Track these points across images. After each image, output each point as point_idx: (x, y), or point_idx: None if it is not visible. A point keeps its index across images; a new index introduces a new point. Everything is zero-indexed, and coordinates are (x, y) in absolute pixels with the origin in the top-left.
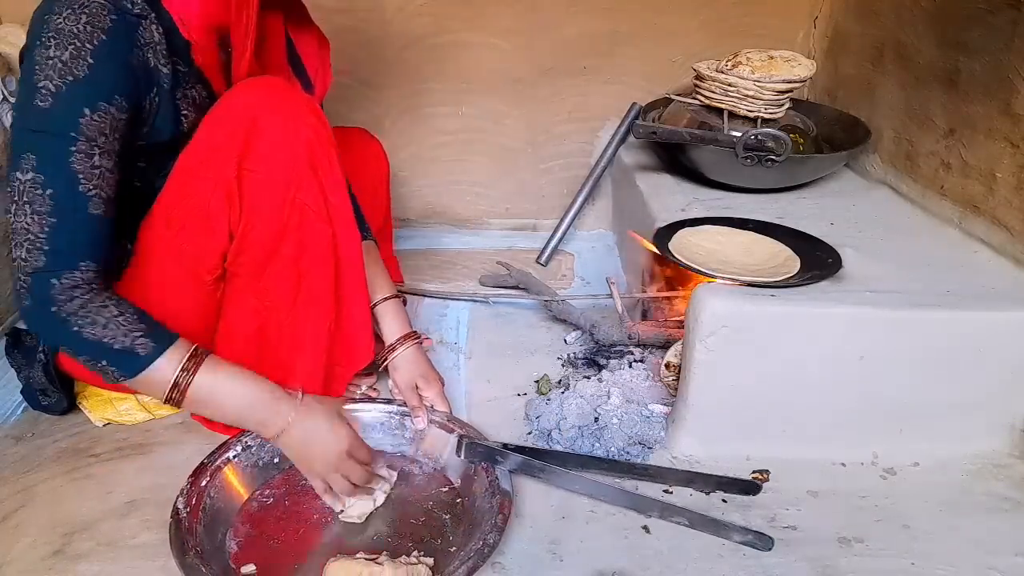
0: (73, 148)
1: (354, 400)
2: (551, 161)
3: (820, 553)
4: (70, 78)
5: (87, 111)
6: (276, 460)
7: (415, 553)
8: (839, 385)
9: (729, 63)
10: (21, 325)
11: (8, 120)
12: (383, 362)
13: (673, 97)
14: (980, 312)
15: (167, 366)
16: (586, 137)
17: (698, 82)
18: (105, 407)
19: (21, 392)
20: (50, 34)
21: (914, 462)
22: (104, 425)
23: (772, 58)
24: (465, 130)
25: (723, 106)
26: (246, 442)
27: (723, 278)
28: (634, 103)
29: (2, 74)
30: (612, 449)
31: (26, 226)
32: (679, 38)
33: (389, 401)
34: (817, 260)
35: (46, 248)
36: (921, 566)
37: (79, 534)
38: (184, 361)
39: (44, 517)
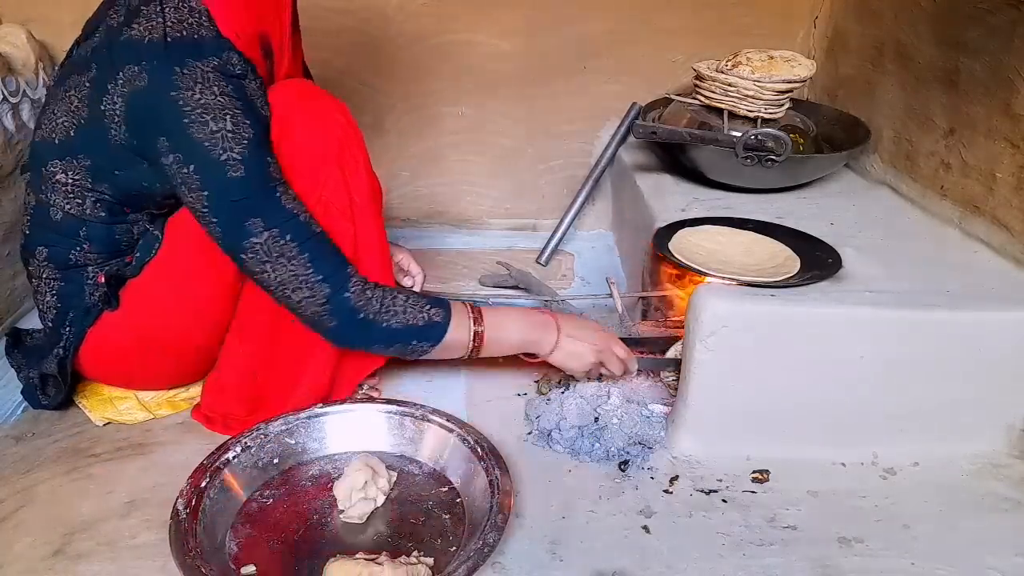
0: (279, 194)
1: (355, 400)
2: (551, 161)
3: (820, 553)
4: (245, 142)
5: (269, 159)
6: (276, 460)
7: (415, 553)
8: (839, 385)
9: (729, 63)
10: (21, 325)
11: (8, 120)
12: None
13: (673, 97)
14: (980, 312)
15: (459, 325)
16: (586, 137)
17: (698, 82)
18: (105, 406)
19: (21, 392)
20: (198, 111)
21: (914, 462)
22: (104, 424)
23: (772, 58)
24: (465, 130)
25: (723, 106)
26: (245, 443)
27: (723, 278)
28: (634, 103)
29: (2, 74)
30: (612, 449)
31: (293, 274)
32: (679, 38)
33: (389, 401)
34: (817, 260)
35: (319, 277)
36: (921, 566)
37: (79, 534)
38: (471, 316)
39: (44, 517)
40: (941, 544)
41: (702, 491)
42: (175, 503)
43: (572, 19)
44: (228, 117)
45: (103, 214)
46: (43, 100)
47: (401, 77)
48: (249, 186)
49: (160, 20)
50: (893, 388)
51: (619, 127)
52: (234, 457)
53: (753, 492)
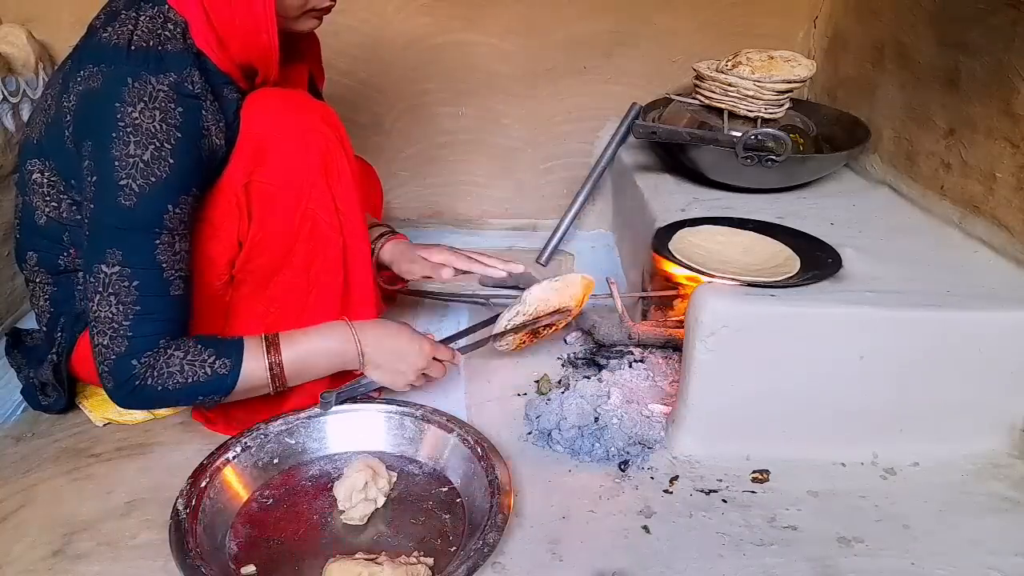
0: (157, 241)
1: (355, 400)
2: (551, 161)
3: (820, 553)
4: (152, 179)
5: (170, 207)
6: (276, 460)
7: (415, 553)
8: (839, 385)
9: (729, 63)
10: (21, 325)
11: (8, 120)
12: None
13: (673, 97)
14: (980, 312)
15: (253, 367)
16: (586, 137)
17: (698, 82)
18: (105, 406)
19: (21, 392)
20: (128, 130)
21: (914, 462)
22: (104, 425)
23: (772, 58)
24: (465, 130)
25: (723, 106)
26: (245, 443)
27: (723, 278)
28: (634, 103)
29: (2, 74)
30: (612, 449)
31: (110, 316)
32: (679, 38)
33: (389, 401)
34: (817, 260)
35: (130, 335)
36: (921, 566)
37: (79, 534)
38: (265, 353)
39: (44, 517)
40: (941, 544)
41: (702, 491)
42: (175, 503)
43: (572, 19)
44: (151, 148)
45: (79, 218)
46: None
47: (401, 77)
48: (129, 219)
49: (131, 27)
50: (893, 388)
51: (619, 127)
52: (234, 457)
53: (753, 492)
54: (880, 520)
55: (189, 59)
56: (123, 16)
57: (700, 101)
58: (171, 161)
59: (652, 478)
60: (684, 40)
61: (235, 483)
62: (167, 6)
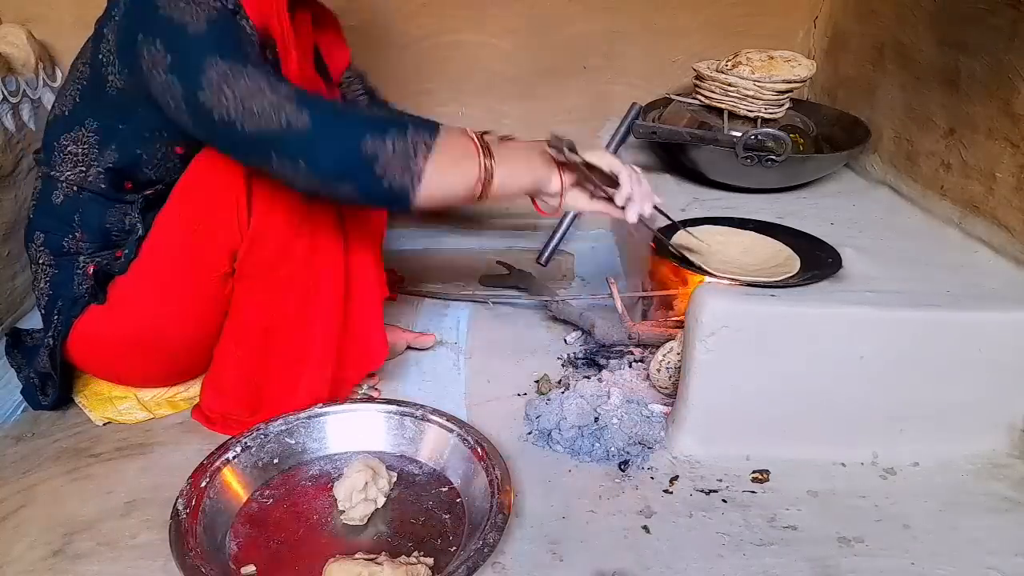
0: (243, 54)
1: (354, 400)
2: None
3: (820, 553)
4: (208, 9)
5: (234, 35)
6: (276, 460)
7: (415, 553)
8: (839, 385)
9: (729, 63)
10: (21, 325)
11: (8, 120)
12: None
13: (673, 97)
14: (980, 312)
15: (457, 134)
16: (586, 137)
17: (698, 82)
18: (105, 406)
19: (21, 392)
20: (171, 5)
21: (914, 462)
22: (104, 424)
23: (772, 58)
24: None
25: (723, 106)
26: (245, 443)
27: (723, 278)
28: (634, 103)
29: (2, 74)
30: (612, 449)
31: (254, 84)
32: (679, 38)
33: (389, 401)
34: (817, 260)
35: (278, 83)
36: (921, 566)
37: (79, 534)
38: (475, 134)
39: (44, 517)
40: (941, 544)
41: (702, 491)
42: (175, 503)
43: (572, 19)
44: (195, 6)
45: (103, 186)
46: (43, 100)
47: (401, 77)
48: (204, 36)
49: None
50: (893, 388)
51: (619, 127)
52: (234, 457)
53: (753, 492)
54: (880, 520)
55: None
56: None
57: (700, 101)
58: (218, 4)
59: (652, 478)
60: (684, 40)
61: (235, 483)
62: None
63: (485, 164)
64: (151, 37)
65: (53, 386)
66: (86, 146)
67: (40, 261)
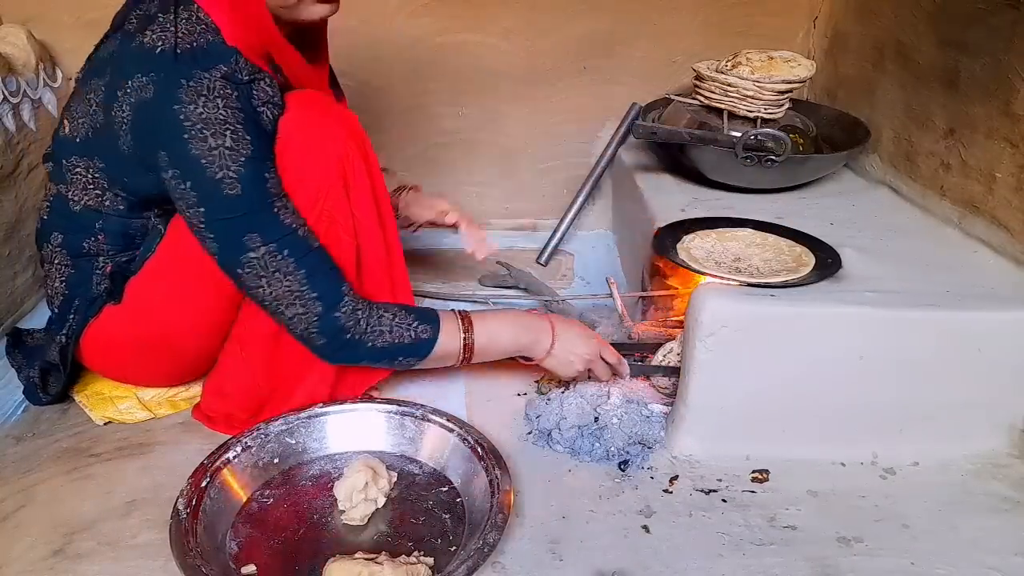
0: (276, 208)
1: (355, 400)
2: (551, 161)
3: (820, 553)
4: (243, 158)
5: (268, 175)
6: (276, 460)
7: (415, 553)
8: (839, 385)
9: (729, 63)
10: (21, 325)
11: (8, 120)
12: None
13: (673, 97)
14: (980, 312)
15: (448, 337)
16: (586, 137)
17: (698, 82)
18: (105, 405)
19: (23, 392)
20: (199, 126)
21: (914, 462)
22: (104, 424)
23: (772, 58)
24: (465, 130)
25: (723, 106)
26: (246, 443)
27: (722, 278)
28: (634, 103)
29: (2, 74)
30: (612, 449)
31: (288, 289)
32: (679, 38)
33: (389, 401)
34: (817, 260)
35: (314, 295)
36: (921, 566)
37: (79, 534)
38: (460, 326)
39: (44, 517)
40: (941, 544)
41: (702, 491)
42: (175, 503)
43: (572, 19)
44: (228, 133)
45: (121, 207)
46: (43, 100)
47: (401, 77)
48: (245, 204)
49: (172, 30)
50: (893, 388)
51: (619, 127)
52: (234, 457)
53: (753, 492)
54: (880, 520)
55: (232, 51)
56: (160, 20)
57: (700, 101)
58: (248, 137)
59: (652, 478)
60: (684, 40)
61: (235, 483)
62: (196, 6)
63: (463, 357)
64: (178, 172)
65: (57, 381)
66: (98, 175)
67: (55, 261)
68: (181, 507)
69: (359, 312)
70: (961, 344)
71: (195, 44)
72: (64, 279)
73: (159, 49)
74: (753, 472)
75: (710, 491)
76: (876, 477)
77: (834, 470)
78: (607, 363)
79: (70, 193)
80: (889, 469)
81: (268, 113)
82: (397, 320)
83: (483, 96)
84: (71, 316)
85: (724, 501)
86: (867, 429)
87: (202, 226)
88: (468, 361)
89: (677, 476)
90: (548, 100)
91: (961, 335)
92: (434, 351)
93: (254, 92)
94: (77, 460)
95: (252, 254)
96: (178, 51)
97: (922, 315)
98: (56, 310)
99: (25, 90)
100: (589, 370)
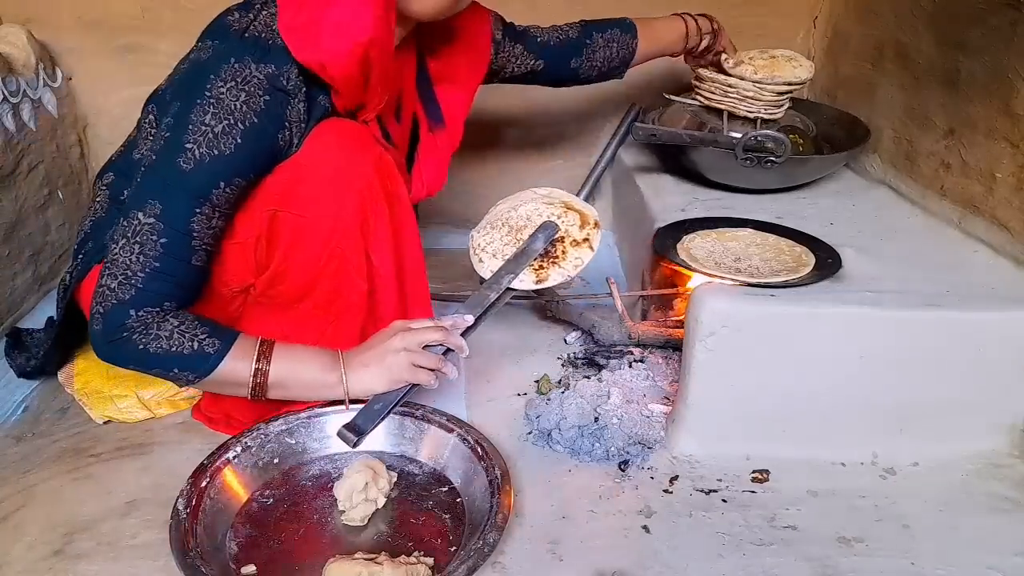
0: (199, 210)
1: (355, 400)
2: (551, 161)
3: (820, 553)
4: (216, 151)
5: (222, 183)
6: (276, 461)
7: (415, 553)
8: (839, 385)
9: (731, 62)
10: (21, 325)
11: (9, 120)
12: None
13: (673, 98)
14: (980, 312)
15: (237, 361)
16: (586, 137)
17: (698, 82)
18: (105, 404)
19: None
20: (211, 100)
21: (914, 462)
22: (104, 423)
23: (775, 57)
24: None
25: (723, 107)
26: (246, 443)
27: (722, 278)
28: (633, 104)
29: (2, 74)
30: (612, 449)
31: (128, 262)
32: None
33: None
34: (817, 260)
35: (139, 286)
36: (921, 566)
37: (79, 534)
38: (257, 352)
39: (44, 517)
40: (941, 544)
41: (702, 491)
42: (175, 503)
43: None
44: (226, 123)
45: None
46: (43, 100)
47: None
48: (180, 180)
49: (252, 17)
50: (893, 388)
51: (619, 128)
52: (234, 457)
53: (753, 492)
54: (880, 520)
55: (292, 58)
56: (252, 6)
57: (700, 102)
58: (239, 141)
59: (652, 478)
60: None
61: (235, 483)
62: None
63: (254, 383)
64: (171, 122)
65: (50, 336)
66: (154, 130)
67: (98, 199)
68: (181, 507)
69: (150, 318)
70: (961, 344)
71: (263, 36)
72: (94, 219)
73: (234, 27)
74: (753, 472)
75: (710, 491)
76: (876, 477)
77: (834, 470)
78: (421, 334)
79: (139, 139)
80: (889, 469)
81: (291, 131)
82: (183, 327)
83: (482, 95)
84: (80, 256)
85: (724, 501)
86: (867, 429)
87: (143, 168)
88: (263, 393)
89: (677, 476)
90: (548, 100)
91: (961, 335)
92: (218, 370)
93: (289, 105)
94: (77, 460)
95: (141, 216)
96: (246, 34)
97: (922, 315)
98: (75, 246)
99: (25, 90)
100: (416, 366)
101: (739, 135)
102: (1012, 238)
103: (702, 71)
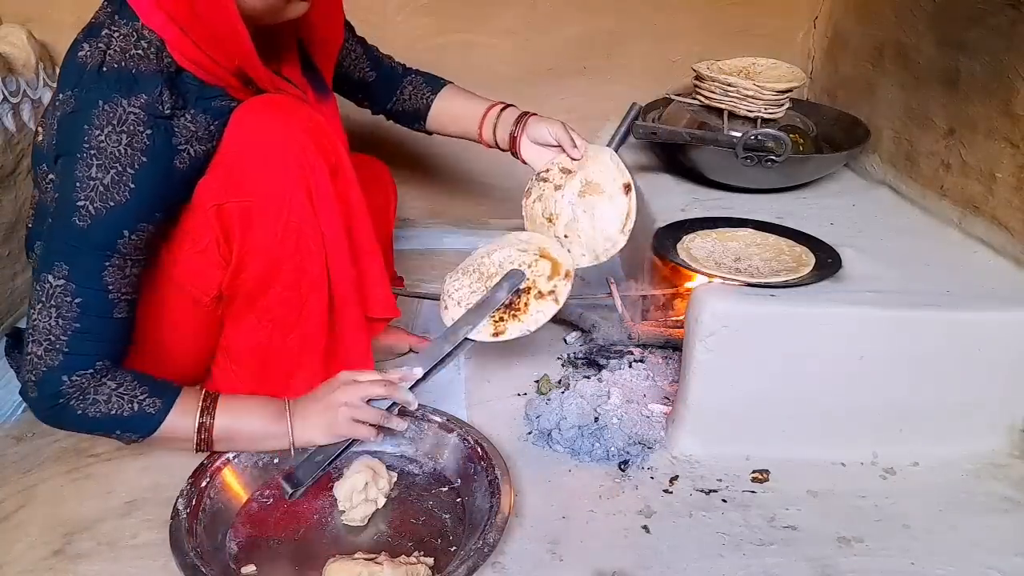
0: (107, 263)
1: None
2: None
3: (820, 553)
4: (111, 203)
5: (126, 232)
6: (276, 460)
7: (415, 553)
8: (839, 385)
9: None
10: (21, 325)
11: (8, 120)
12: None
13: (673, 97)
14: (980, 312)
15: (179, 417)
16: (586, 137)
17: (698, 82)
18: None
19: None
20: (92, 152)
21: (914, 462)
22: None
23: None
24: None
25: (723, 106)
26: None
27: (723, 278)
28: (634, 103)
29: (2, 74)
30: (612, 449)
31: (48, 327)
32: (679, 38)
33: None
34: (817, 260)
35: (66, 350)
36: (921, 566)
37: (79, 534)
38: (200, 406)
39: (44, 517)
40: (941, 544)
41: (702, 491)
42: (175, 503)
43: (572, 19)
44: (113, 172)
45: None
46: (43, 100)
47: None
48: (80, 239)
49: (104, 46)
50: (893, 388)
51: (619, 127)
52: (234, 457)
53: (753, 492)
54: (880, 520)
55: (160, 79)
56: (103, 33)
57: (700, 101)
58: (132, 186)
59: (652, 478)
60: (684, 40)
61: (235, 483)
62: (141, 24)
63: (199, 439)
64: (57, 182)
65: None
66: None
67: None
68: (181, 507)
69: (85, 382)
70: (961, 344)
71: (122, 66)
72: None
73: (88, 65)
74: (753, 472)
75: (710, 491)
76: (876, 477)
77: (834, 470)
78: (364, 388)
79: (46, 200)
80: (889, 469)
81: (192, 150)
82: (122, 390)
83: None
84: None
85: (724, 501)
86: (867, 429)
87: (46, 231)
88: (208, 447)
89: (677, 476)
90: (548, 100)
91: (961, 335)
92: (160, 429)
93: (175, 129)
94: (77, 460)
95: (51, 278)
96: (103, 68)
97: (922, 315)
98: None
99: (25, 90)
100: (357, 420)
101: (739, 134)
102: (1012, 238)
103: (703, 70)
